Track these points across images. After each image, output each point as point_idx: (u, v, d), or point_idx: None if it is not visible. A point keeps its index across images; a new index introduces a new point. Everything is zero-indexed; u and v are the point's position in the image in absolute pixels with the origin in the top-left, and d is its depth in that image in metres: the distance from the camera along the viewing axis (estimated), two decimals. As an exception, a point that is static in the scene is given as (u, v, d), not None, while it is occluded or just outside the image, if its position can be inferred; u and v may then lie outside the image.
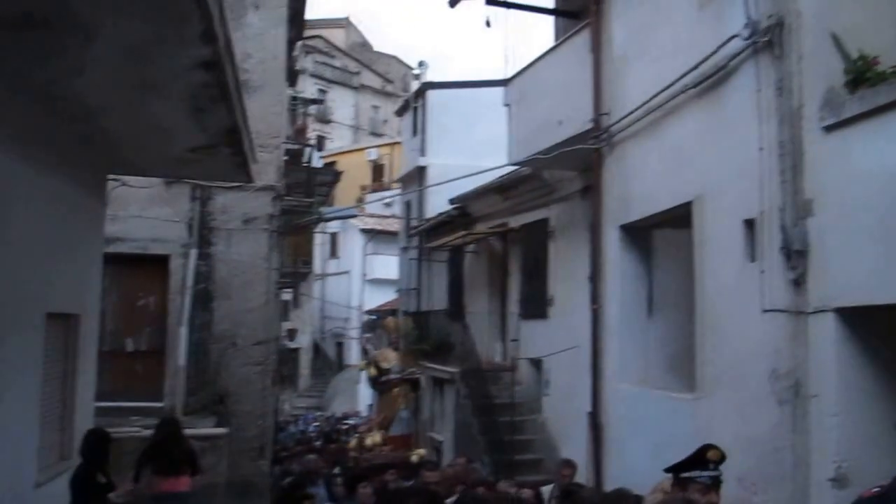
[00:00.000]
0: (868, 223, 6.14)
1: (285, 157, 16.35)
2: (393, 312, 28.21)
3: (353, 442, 15.59)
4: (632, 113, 10.02)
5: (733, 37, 7.82)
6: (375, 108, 61.54)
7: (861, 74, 6.54)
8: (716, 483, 4.45)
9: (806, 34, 6.97)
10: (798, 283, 6.83)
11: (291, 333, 37.14)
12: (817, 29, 6.89)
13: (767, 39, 7.38)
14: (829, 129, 6.56)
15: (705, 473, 4.43)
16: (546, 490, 8.78)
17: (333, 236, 41.86)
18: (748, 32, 7.61)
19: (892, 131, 5.94)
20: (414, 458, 12.71)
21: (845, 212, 6.40)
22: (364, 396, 35.25)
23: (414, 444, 17.36)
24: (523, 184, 15.13)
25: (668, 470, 4.66)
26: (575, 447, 12.06)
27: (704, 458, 4.46)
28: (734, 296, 7.89)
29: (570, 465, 9.21)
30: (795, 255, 6.79)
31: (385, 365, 15.34)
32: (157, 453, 8.87)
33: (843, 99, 6.52)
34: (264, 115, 13.49)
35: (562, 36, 12.94)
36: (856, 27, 6.81)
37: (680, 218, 9.15)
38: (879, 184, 6.03)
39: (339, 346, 43.69)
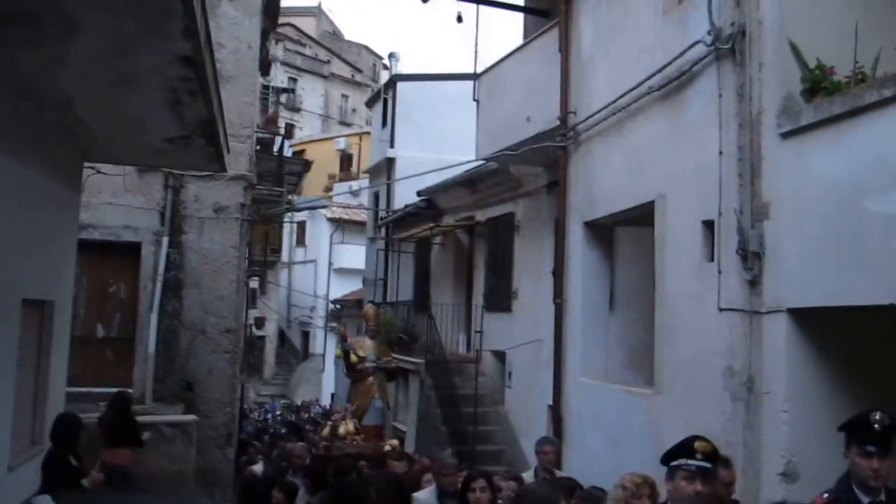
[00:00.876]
0: (820, 228, 6.40)
1: (256, 147, 16.43)
2: (359, 302, 28.31)
3: (325, 431, 15.65)
4: (597, 112, 10.24)
5: (696, 42, 8.04)
6: (345, 97, 61.47)
7: (818, 83, 6.80)
8: (704, 474, 4.38)
9: (766, 42, 7.22)
10: (753, 283, 7.10)
11: (259, 322, 37.13)
12: (778, 38, 7.11)
13: (729, 46, 7.61)
14: (785, 135, 6.82)
15: (692, 462, 4.37)
16: (528, 475, 8.65)
17: (301, 225, 41.84)
18: (711, 39, 7.82)
19: (845, 140, 6.20)
20: (388, 449, 12.81)
21: (799, 216, 6.66)
22: (328, 385, 35.33)
23: (388, 435, 17.50)
24: (490, 178, 15.35)
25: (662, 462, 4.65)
26: (535, 438, 12.29)
27: (692, 448, 4.42)
28: (692, 294, 8.14)
29: (551, 443, 8.96)
30: (751, 256, 7.06)
31: (361, 353, 15.43)
32: (101, 426, 9.48)
33: (800, 107, 6.78)
34: (237, 105, 13.60)
35: (531, 34, 13.13)
36: (815, 37, 7.04)
37: (642, 217, 9.39)
38: (832, 190, 6.29)
39: (305, 334, 43.73)
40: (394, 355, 16.53)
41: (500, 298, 14.76)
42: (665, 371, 8.70)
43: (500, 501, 7.50)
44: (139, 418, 10.56)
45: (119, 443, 9.58)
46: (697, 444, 4.43)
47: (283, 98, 42.90)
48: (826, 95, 6.60)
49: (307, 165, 23.50)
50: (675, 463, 4.44)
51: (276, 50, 48.10)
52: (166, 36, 5.33)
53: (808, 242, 6.55)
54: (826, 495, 4.39)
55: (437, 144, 21.76)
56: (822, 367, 6.76)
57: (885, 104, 5.74)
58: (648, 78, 9.00)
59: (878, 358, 6.67)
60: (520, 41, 13.67)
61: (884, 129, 5.76)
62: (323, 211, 38.79)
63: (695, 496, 4.33)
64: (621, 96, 9.58)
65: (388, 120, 25.62)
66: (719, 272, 7.56)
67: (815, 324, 6.72)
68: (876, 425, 4.17)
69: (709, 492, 4.43)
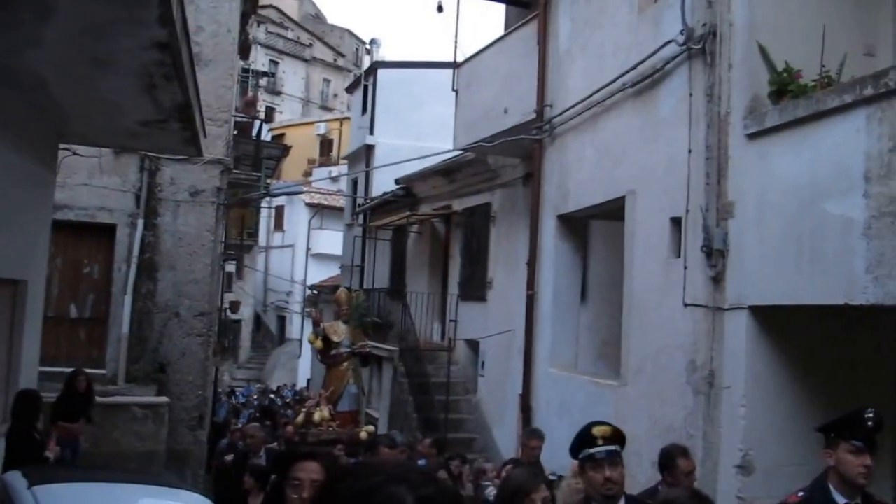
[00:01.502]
0: (781, 228, 6.55)
1: (234, 131, 16.43)
2: (336, 289, 28.37)
3: (299, 418, 15.59)
4: (573, 107, 10.36)
5: (669, 42, 8.18)
6: (326, 81, 61.26)
7: (784, 86, 6.95)
8: (612, 458, 4.29)
9: (736, 44, 7.35)
10: (717, 280, 7.25)
11: (234, 305, 37.09)
12: (747, 40, 7.25)
13: (701, 47, 7.74)
14: (751, 136, 6.97)
15: (594, 450, 4.28)
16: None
17: (279, 209, 41.76)
18: (683, 39, 7.96)
19: (808, 143, 6.34)
20: (363, 435, 12.86)
21: (762, 216, 6.80)
22: (304, 371, 35.38)
23: (363, 421, 17.57)
24: (468, 168, 15.44)
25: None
26: (506, 428, 12.49)
27: (591, 436, 4.33)
28: (659, 289, 8.29)
29: (538, 436, 8.74)
30: (715, 254, 7.21)
31: (335, 338, 15.36)
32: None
33: (766, 109, 6.93)
34: (215, 88, 13.60)
35: (512, 25, 13.23)
36: (785, 40, 7.19)
37: (614, 211, 9.53)
38: (793, 192, 6.43)
39: (281, 319, 43.70)
40: (368, 341, 16.62)
41: (475, 288, 14.87)
42: (631, 364, 8.85)
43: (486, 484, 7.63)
44: (110, 399, 10.64)
45: (71, 418, 9.88)
46: (596, 430, 4.36)
47: (264, 81, 42.74)
48: (792, 98, 6.75)
49: (285, 150, 23.51)
50: (581, 455, 4.39)
51: (258, 32, 47.95)
52: (142, 22, 5.38)
53: (769, 242, 6.70)
54: (801, 494, 4.41)
55: (417, 132, 21.81)
56: (779, 363, 6.94)
57: (847, 109, 5.88)
58: (622, 75, 9.11)
59: (833, 357, 6.85)
60: (501, 32, 13.75)
61: (845, 134, 5.90)
62: (302, 196, 38.76)
63: (606, 482, 4.25)
64: (596, 91, 9.70)
65: (367, 106, 25.62)
66: (685, 268, 7.71)
67: (775, 321, 6.88)
68: (869, 422, 4.19)
69: (619, 474, 4.34)
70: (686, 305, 7.63)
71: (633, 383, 8.76)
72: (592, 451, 4.31)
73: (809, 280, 6.23)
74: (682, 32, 7.98)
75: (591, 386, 9.79)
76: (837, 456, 4.24)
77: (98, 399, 10.50)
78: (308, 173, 42.87)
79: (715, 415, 7.20)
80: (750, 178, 6.98)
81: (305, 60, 59.31)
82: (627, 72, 9.00)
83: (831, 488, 4.25)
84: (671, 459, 6.01)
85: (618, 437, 4.43)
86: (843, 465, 4.21)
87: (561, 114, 10.77)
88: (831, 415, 6.44)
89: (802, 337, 6.90)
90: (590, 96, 9.85)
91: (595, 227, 11.17)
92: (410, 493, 1.65)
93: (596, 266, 11.15)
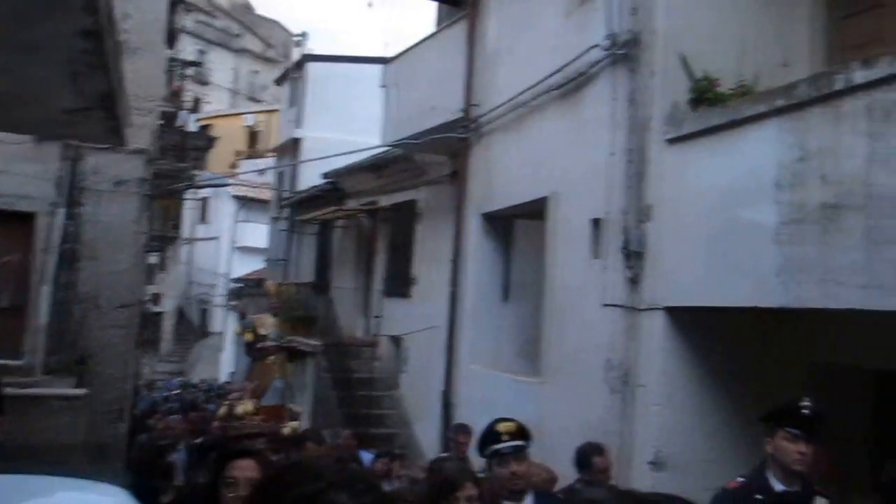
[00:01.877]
0: (697, 232, 6.77)
1: (160, 121, 16.21)
2: (260, 282, 28.19)
3: (222, 410, 15.37)
4: (499, 107, 10.49)
5: (594, 46, 8.34)
6: (255, 72, 60.62)
7: (703, 94, 7.18)
8: (517, 453, 4.42)
9: (658, 51, 7.53)
10: (634, 281, 7.44)
11: (156, 297, 36.53)
12: (669, 47, 7.45)
13: (624, 53, 7.93)
14: (670, 142, 7.17)
15: (499, 446, 4.40)
16: None
17: (204, 201, 41.25)
18: (608, 44, 8.12)
19: (723, 150, 6.56)
20: (286, 431, 12.80)
21: (679, 220, 7.01)
22: (227, 364, 35.06)
23: (288, 416, 17.49)
24: (395, 164, 15.49)
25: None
26: (428, 424, 12.57)
27: (496, 432, 4.44)
28: (578, 289, 8.46)
29: (466, 431, 8.50)
30: (633, 255, 7.40)
31: (262, 331, 15.20)
32: None
33: (685, 116, 7.15)
34: (141, 78, 13.38)
35: (443, 23, 13.32)
36: (707, 48, 7.42)
37: (537, 211, 9.69)
38: (708, 196, 6.66)
39: (204, 312, 43.17)
40: (294, 336, 16.57)
41: (400, 284, 14.95)
42: (551, 361, 9.02)
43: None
44: (27, 391, 10.43)
45: None
46: (500, 427, 4.47)
47: (191, 71, 42.12)
48: (709, 106, 6.97)
49: (211, 141, 23.27)
50: (487, 451, 4.49)
51: (186, 20, 47.19)
52: (67, 9, 5.33)
53: (685, 245, 6.91)
54: (741, 479, 4.52)
55: (346, 126, 21.80)
56: (693, 363, 7.16)
57: (761, 119, 6.11)
58: (548, 77, 9.26)
59: (744, 356, 7.09)
60: (432, 29, 13.83)
61: (758, 143, 6.13)
62: (228, 188, 38.32)
63: (511, 477, 4.38)
64: (522, 93, 9.84)
65: (296, 99, 25.51)
66: (604, 269, 7.89)
67: (690, 322, 7.10)
68: (803, 410, 4.30)
69: (525, 469, 4.47)
70: (604, 305, 7.81)
71: (553, 381, 8.93)
72: (498, 446, 4.43)
73: (722, 282, 6.45)
74: (606, 38, 8.14)
75: (513, 383, 9.93)
76: (775, 443, 4.35)
77: (14, 391, 10.28)
78: (235, 165, 42.39)
79: (630, 412, 7.40)
80: (668, 183, 7.19)
81: (234, 51, 58.63)
82: (553, 74, 9.15)
83: (770, 475, 4.36)
84: (587, 457, 6.19)
85: (522, 432, 4.55)
86: (780, 452, 4.31)
87: (488, 113, 10.90)
88: (742, 413, 6.76)
89: (716, 337, 7.12)
90: (516, 97, 9.99)
91: (519, 226, 11.32)
92: (352, 501, 1.69)
93: (520, 265, 11.31)
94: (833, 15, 7.60)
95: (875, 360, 6.63)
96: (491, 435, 4.49)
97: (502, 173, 10.54)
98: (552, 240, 9.12)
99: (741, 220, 6.26)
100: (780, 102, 5.92)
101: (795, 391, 7.08)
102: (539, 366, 9.50)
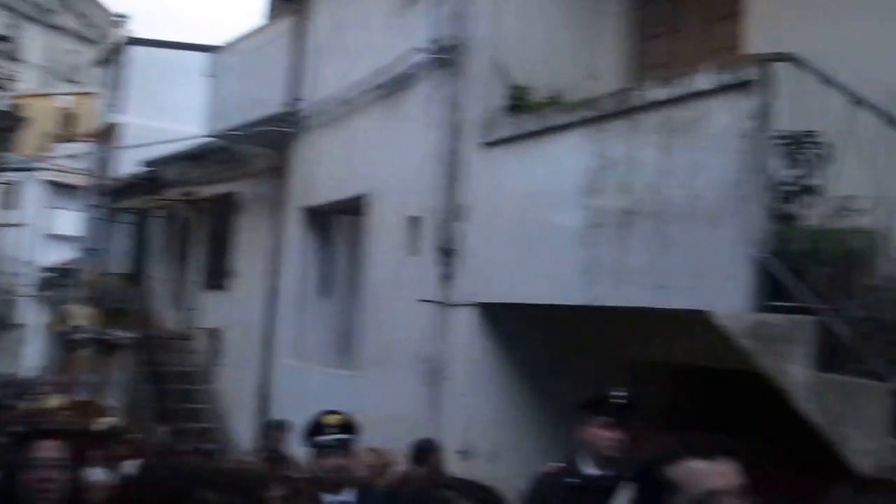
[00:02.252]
0: (508, 232, 7.11)
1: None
2: (71, 272, 27.05)
3: (28, 405, 14.57)
4: (323, 103, 10.56)
5: (417, 49, 8.54)
6: (72, 52, 57.87)
7: (517, 101, 7.53)
8: (341, 446, 4.44)
9: (478, 57, 7.84)
10: (448, 278, 7.72)
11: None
12: (488, 54, 7.75)
13: (446, 57, 8.17)
14: (484, 145, 7.48)
15: (324, 438, 4.41)
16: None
17: (11, 185, 39.08)
18: (430, 48, 8.35)
19: (534, 155, 6.93)
20: (100, 426, 12.31)
21: (491, 220, 7.34)
22: (33, 357, 33.41)
23: (100, 411, 16.86)
24: (216, 155, 15.21)
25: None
26: (244, 418, 12.48)
27: (322, 424, 4.45)
28: (395, 285, 8.67)
29: (282, 428, 8.67)
30: (447, 253, 7.68)
31: (75, 323, 14.53)
32: None
33: (500, 121, 7.47)
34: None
35: (274, 15, 13.24)
36: (524, 59, 7.78)
37: (357, 208, 9.83)
38: (519, 199, 7.00)
39: (8, 303, 40.90)
40: (108, 328, 16.04)
41: (217, 276, 14.74)
42: (367, 355, 9.20)
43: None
44: None
45: None
46: (326, 419, 4.47)
47: (2, 45, 39.90)
48: (523, 113, 7.31)
49: (19, 121, 22.12)
50: (312, 443, 4.51)
51: (-3, -7, 44.63)
52: None
53: (496, 244, 7.24)
54: (556, 464, 4.64)
55: (167, 114, 21.19)
56: (503, 357, 7.53)
57: (567, 128, 6.51)
58: (372, 77, 9.41)
59: (553, 351, 7.49)
60: (263, 21, 13.72)
61: (564, 150, 6.52)
62: (38, 172, 36.48)
63: (334, 469, 4.41)
64: (347, 90, 9.95)
65: (116, 83, 24.61)
66: (419, 266, 8.13)
67: (500, 318, 7.45)
68: (615, 399, 4.46)
69: (349, 462, 4.53)
70: (418, 301, 8.03)
71: (368, 374, 9.09)
72: (321, 439, 4.44)
73: (530, 281, 6.81)
74: (429, 42, 8.36)
75: (330, 377, 10.03)
76: (588, 431, 4.48)
77: None
78: (47, 149, 40.37)
79: (440, 404, 7.66)
80: (482, 185, 7.49)
81: (50, 27, 55.77)
82: (376, 74, 9.30)
83: (583, 460, 4.48)
84: (423, 454, 6.39)
85: (348, 425, 4.57)
86: (593, 439, 4.45)
87: (312, 109, 10.94)
88: (551, 403, 7.14)
89: (525, 333, 7.50)
90: (340, 94, 10.09)
91: (340, 222, 11.41)
92: (219, 499, 1.72)
93: (338, 260, 11.41)
94: (637, 35, 8.11)
95: (669, 356, 7.11)
96: (316, 427, 4.50)
97: (324, 169, 10.62)
98: (370, 236, 9.29)
99: (548, 222, 6.61)
100: (585, 113, 6.31)
101: (603, 383, 7.56)
102: (355, 359, 9.63)
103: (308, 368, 10.60)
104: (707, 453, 2.16)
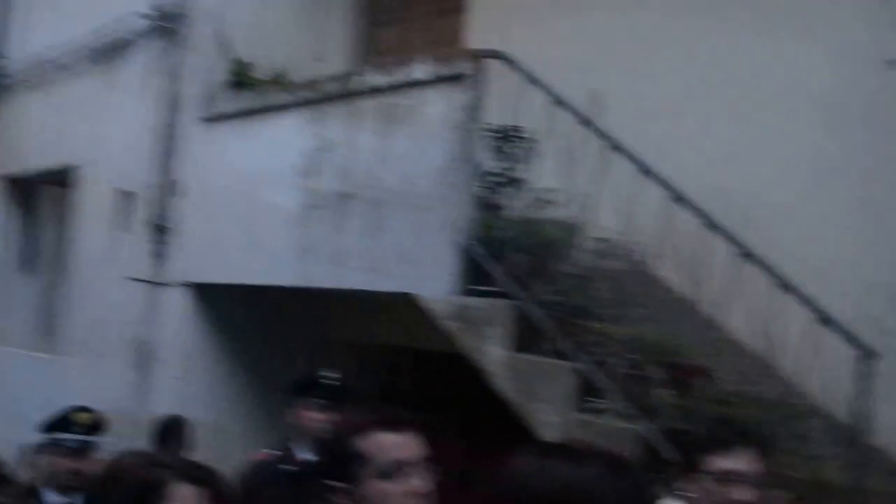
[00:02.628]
0: (224, 211, 6.94)
1: None
2: None
3: None
4: (32, 62, 9.79)
5: (137, 14, 8.10)
6: None
7: (239, 77, 7.36)
8: (84, 449, 3.98)
9: (201, 29, 7.56)
10: (160, 256, 7.44)
11: None
12: (211, 27, 7.53)
13: (168, 25, 7.82)
14: (203, 120, 7.27)
15: (65, 436, 3.98)
16: None
17: None
18: (151, 14, 7.96)
19: (253, 134, 6.82)
20: None
21: (207, 197, 7.13)
22: None
23: None
24: None
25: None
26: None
27: (68, 420, 4.02)
28: (103, 262, 8.22)
29: None
30: (160, 230, 7.39)
31: None
32: None
33: (220, 96, 7.28)
34: None
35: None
36: (251, 34, 7.62)
37: (65, 179, 9.23)
38: (237, 178, 6.84)
39: None
40: None
41: None
42: (73, 336, 8.68)
43: None
44: None
45: None
46: (75, 416, 4.06)
47: None
48: (244, 90, 7.17)
49: None
50: (50, 437, 4.04)
51: None
52: None
53: (213, 223, 7.06)
54: (267, 451, 4.58)
55: None
56: (217, 337, 7.39)
57: (288, 108, 6.47)
58: (88, 39, 8.83)
59: (268, 332, 7.43)
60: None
61: (284, 130, 6.47)
62: None
63: (70, 473, 3.92)
64: (58, 51, 9.28)
65: None
66: (130, 243, 7.78)
67: (214, 298, 7.30)
68: (325, 381, 4.47)
69: (89, 466, 3.95)
70: (128, 279, 7.68)
71: (75, 356, 8.57)
72: (63, 436, 4.00)
73: (246, 261, 6.69)
74: (151, 8, 7.96)
75: (28, 360, 9.36)
76: (299, 414, 4.46)
77: None
78: None
79: (148, 385, 7.39)
80: (200, 161, 7.27)
81: None
82: (93, 37, 8.74)
83: (296, 445, 4.45)
84: (169, 431, 6.15)
85: (98, 426, 4.16)
86: (305, 422, 4.43)
87: (18, 68, 10.12)
88: (267, 385, 7.06)
89: (238, 314, 7.38)
90: (52, 55, 9.40)
91: (47, 193, 10.67)
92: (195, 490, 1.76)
93: (45, 235, 10.67)
94: (367, 21, 8.19)
95: (383, 338, 7.26)
96: (62, 422, 4.04)
97: (30, 134, 9.85)
98: (78, 210, 8.76)
99: (266, 202, 6.52)
100: (306, 95, 6.28)
101: (318, 365, 7.58)
102: (59, 342, 9.07)
103: (4, 351, 9.83)
104: (393, 426, 2.26)
